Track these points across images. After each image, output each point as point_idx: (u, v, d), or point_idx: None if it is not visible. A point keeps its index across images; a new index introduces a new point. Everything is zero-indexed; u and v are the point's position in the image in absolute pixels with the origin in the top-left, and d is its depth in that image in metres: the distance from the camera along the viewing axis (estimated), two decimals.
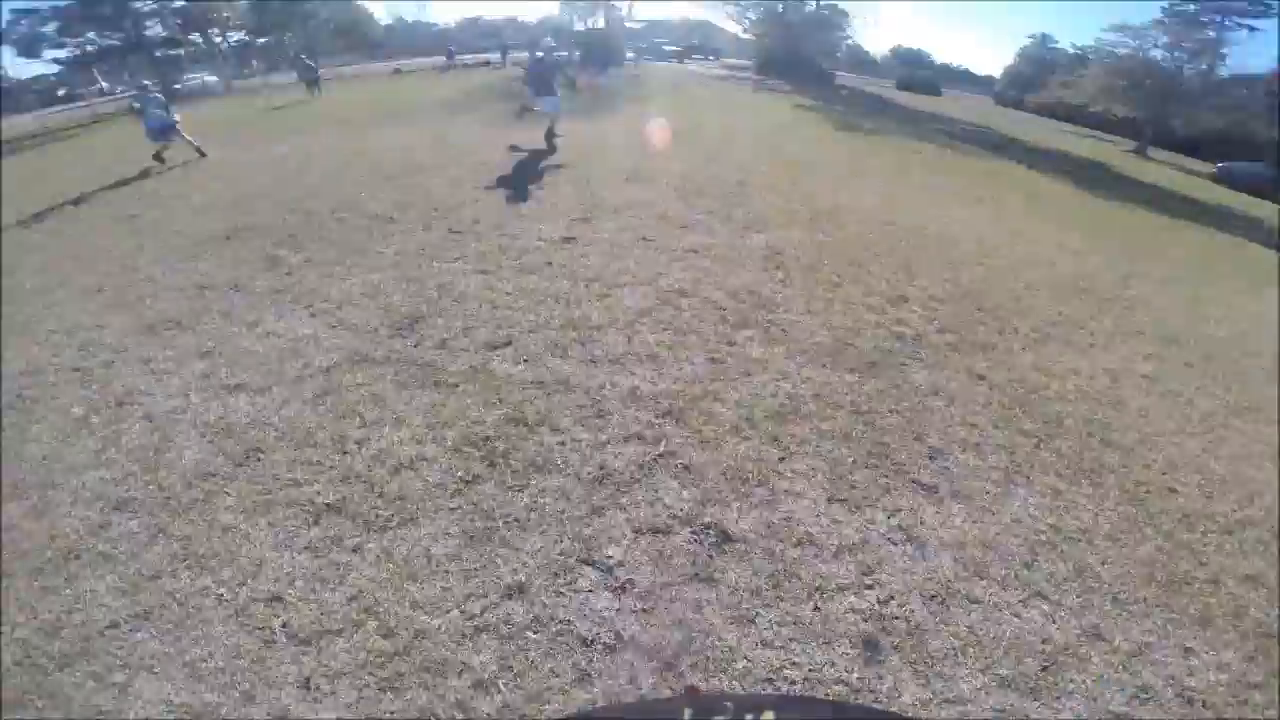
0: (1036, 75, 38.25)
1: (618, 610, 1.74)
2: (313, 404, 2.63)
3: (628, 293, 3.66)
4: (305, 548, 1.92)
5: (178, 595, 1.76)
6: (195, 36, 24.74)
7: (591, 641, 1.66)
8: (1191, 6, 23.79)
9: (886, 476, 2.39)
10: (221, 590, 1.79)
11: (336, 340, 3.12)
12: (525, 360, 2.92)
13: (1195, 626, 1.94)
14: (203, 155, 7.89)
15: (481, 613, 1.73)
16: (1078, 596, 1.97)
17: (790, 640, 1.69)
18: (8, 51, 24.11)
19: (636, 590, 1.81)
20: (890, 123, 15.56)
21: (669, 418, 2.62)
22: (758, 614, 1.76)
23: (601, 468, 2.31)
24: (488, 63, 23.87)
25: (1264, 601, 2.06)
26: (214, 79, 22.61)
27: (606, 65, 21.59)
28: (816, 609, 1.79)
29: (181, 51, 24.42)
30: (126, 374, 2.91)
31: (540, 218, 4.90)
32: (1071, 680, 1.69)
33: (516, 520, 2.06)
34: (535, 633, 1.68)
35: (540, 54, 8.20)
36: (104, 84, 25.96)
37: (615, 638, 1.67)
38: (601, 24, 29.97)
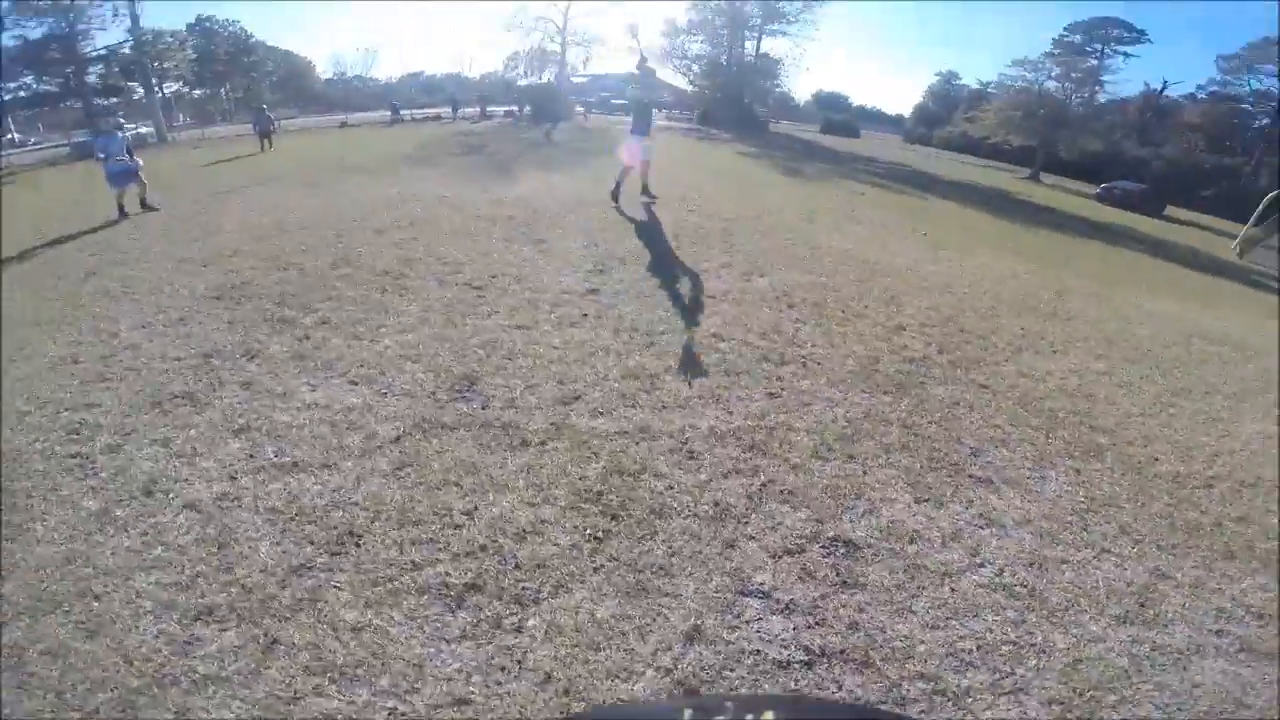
0: (942, 111, 42.60)
1: (793, 629, 1.88)
2: (395, 478, 2.51)
3: (669, 339, 3.89)
4: (462, 636, 1.82)
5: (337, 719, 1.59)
6: (135, 84, 23.74)
7: (787, 663, 1.77)
8: (1076, 37, 27.69)
9: (950, 476, 2.78)
10: (392, 703, 1.62)
11: (393, 408, 3.03)
12: (601, 413, 3.05)
13: (1224, 560, 2.41)
14: (151, 209, 7.35)
15: (675, 665, 1.75)
16: (1132, 547, 2.42)
17: (948, 618, 1.97)
18: None
19: (800, 608, 1.96)
20: (825, 166, 16.94)
21: (754, 451, 2.81)
22: (912, 603, 2.02)
23: (716, 504, 2.45)
24: (438, 117, 24.26)
25: (1262, 536, 2.59)
26: (148, 130, 21.63)
27: (556, 120, 22.37)
28: (952, 589, 2.09)
29: (117, 100, 23.32)
30: (142, 459, 2.60)
31: (555, 271, 5.09)
32: (1166, 611, 2.09)
33: (661, 568, 2.12)
34: (731, 670, 1.74)
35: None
36: (15, 134, 24.29)
37: (806, 652, 1.80)
38: (548, 79, 31.07)
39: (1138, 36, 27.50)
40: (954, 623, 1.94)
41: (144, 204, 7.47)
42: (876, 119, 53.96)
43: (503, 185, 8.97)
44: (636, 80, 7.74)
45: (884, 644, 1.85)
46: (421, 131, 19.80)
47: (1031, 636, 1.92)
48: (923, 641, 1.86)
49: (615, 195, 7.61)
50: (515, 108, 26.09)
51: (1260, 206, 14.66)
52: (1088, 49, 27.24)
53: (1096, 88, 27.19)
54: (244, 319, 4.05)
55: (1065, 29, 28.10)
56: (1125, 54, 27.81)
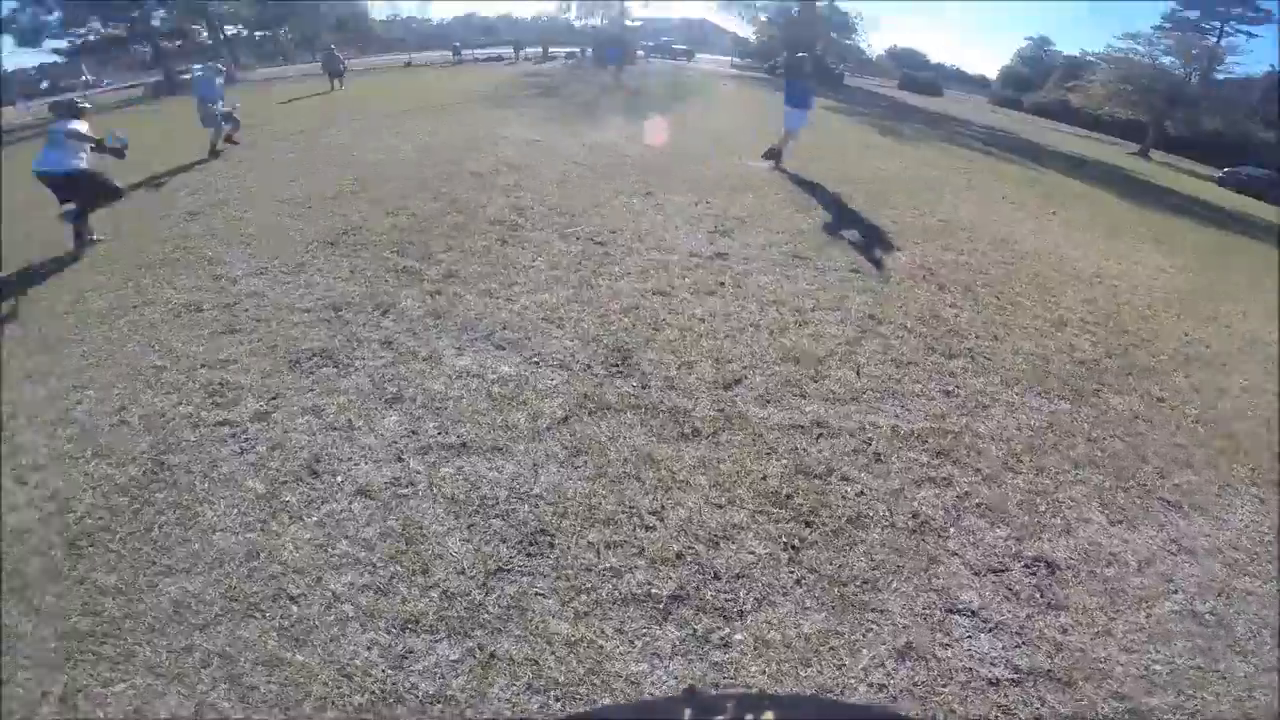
0: (1033, 77, 38.96)
1: (1002, 648, 1.80)
2: (572, 467, 2.30)
3: (822, 317, 3.52)
4: (673, 652, 1.67)
5: None
6: (199, 27, 23.83)
7: (998, 681, 1.70)
8: (1193, 14, 24.49)
9: (1139, 498, 2.55)
10: None
11: (550, 381, 2.80)
12: (769, 401, 2.74)
13: None
14: (234, 144, 7.36)
15: (888, 681, 1.63)
16: None
17: (1145, 643, 1.88)
18: (7, 41, 22.74)
19: (1008, 627, 1.87)
20: (920, 127, 15.61)
21: (943, 458, 2.51)
22: (1111, 626, 1.92)
23: (914, 516, 2.20)
24: (500, 58, 23.48)
25: None
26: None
27: (620, 63, 21.35)
28: (1148, 615, 1.99)
29: (182, 44, 23.50)
30: (296, 431, 2.41)
31: (676, 228, 4.72)
32: None
33: (866, 582, 1.92)
34: (944, 686, 1.65)
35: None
36: (89, 76, 24.87)
37: (1015, 671, 1.73)
38: (605, 22, 29.58)
39: (1262, 16, 24.06)
40: (1149, 647, 1.88)
41: (230, 139, 7.46)
42: (957, 78, 49.81)
43: (591, 129, 8.54)
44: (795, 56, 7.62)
45: (1085, 665, 1.79)
46: (488, 72, 19.21)
47: (1217, 664, 1.86)
48: (1120, 664, 1.81)
49: (773, 156, 7.18)
50: (578, 50, 25.07)
51: None
52: (1204, 25, 24.08)
53: (1215, 65, 24.10)
54: (364, 268, 3.89)
55: (1179, 2, 24.81)
56: (1248, 33, 24.48)
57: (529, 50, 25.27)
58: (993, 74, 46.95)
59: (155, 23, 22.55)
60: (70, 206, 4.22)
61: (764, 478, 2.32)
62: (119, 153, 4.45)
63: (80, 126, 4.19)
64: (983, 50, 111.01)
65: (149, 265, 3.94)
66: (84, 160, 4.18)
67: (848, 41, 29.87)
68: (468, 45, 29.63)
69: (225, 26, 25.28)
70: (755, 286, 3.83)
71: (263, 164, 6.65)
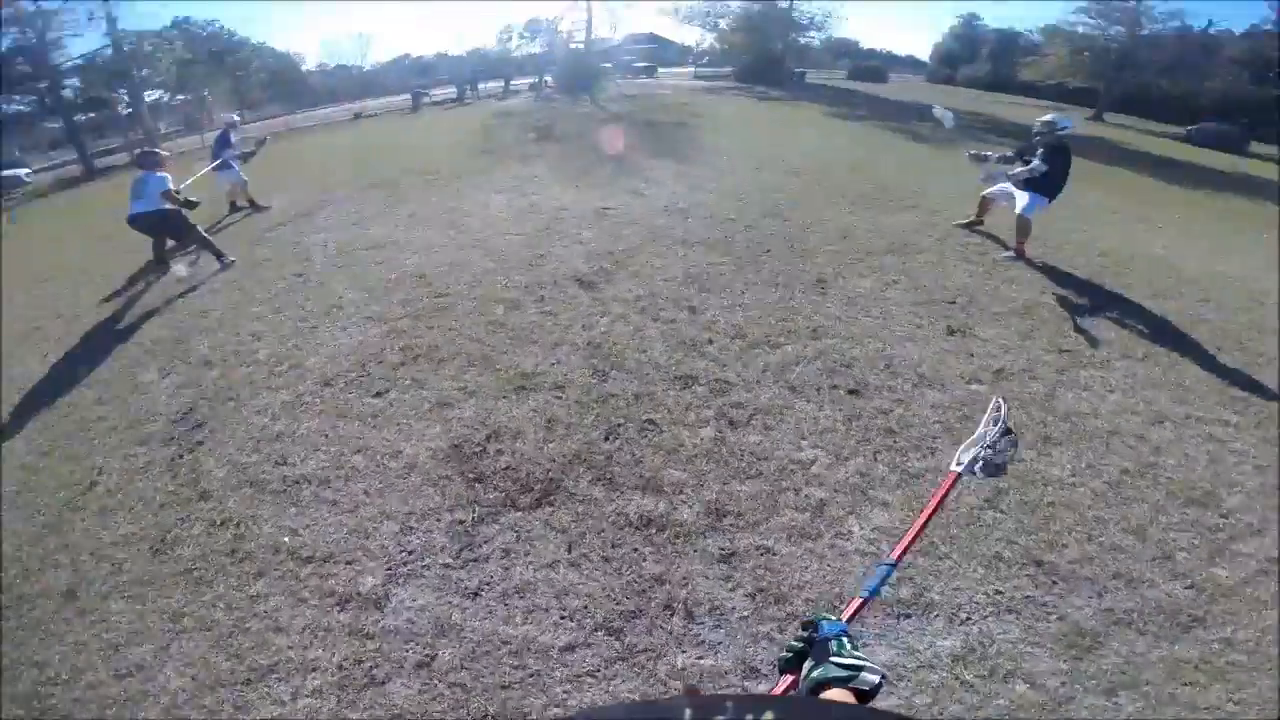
0: (965, 52, 40.29)
1: None
2: None
3: None
4: None
5: None
6: (119, 95, 21.47)
7: None
8: None
9: None
10: None
11: None
12: None
13: None
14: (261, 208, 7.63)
15: None
16: None
17: None
18: None
19: None
20: (918, 123, 15.25)
21: None
22: None
23: None
24: (460, 98, 21.99)
25: None
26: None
27: (590, 88, 20.44)
28: None
29: (97, 115, 21.14)
30: None
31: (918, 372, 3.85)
32: None
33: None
34: None
35: None
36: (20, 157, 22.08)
37: None
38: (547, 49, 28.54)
39: None
40: None
41: (253, 203, 7.66)
42: (890, 61, 51.24)
43: (643, 183, 7.53)
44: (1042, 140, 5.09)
45: None
46: (457, 117, 17.86)
47: None
48: None
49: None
50: (539, 80, 23.93)
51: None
52: None
53: (1136, 27, 25.21)
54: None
55: None
56: None
57: (486, 84, 23.95)
58: (922, 54, 48.49)
59: (68, 93, 20.20)
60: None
61: None
62: (191, 205, 5.46)
63: (168, 180, 5.30)
64: (912, 34, 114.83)
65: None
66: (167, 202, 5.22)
67: (804, 40, 29.82)
68: (404, 88, 28.06)
69: (146, 92, 22.99)
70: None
71: (256, 294, 4.92)
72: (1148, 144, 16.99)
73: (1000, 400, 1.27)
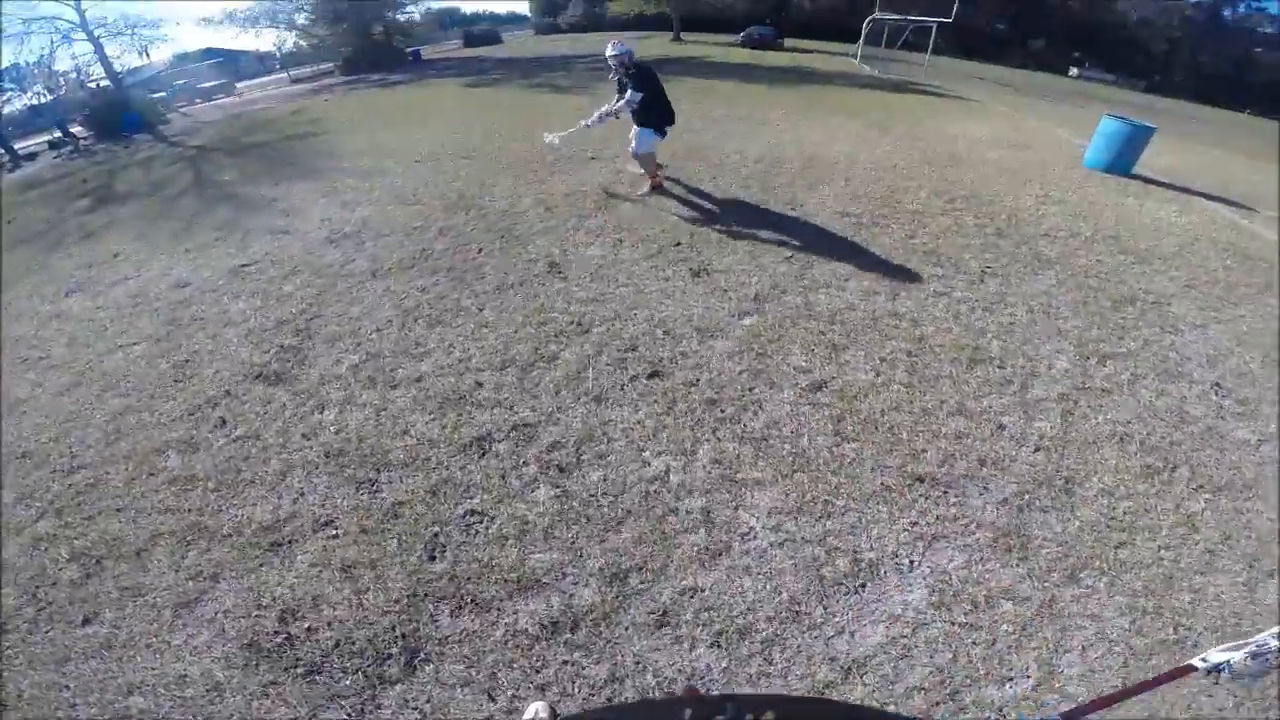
0: (561, 1, 43.29)
1: None
2: None
3: None
4: None
5: None
6: None
7: None
8: None
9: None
10: None
11: None
12: None
13: None
14: None
15: None
16: None
17: None
18: None
19: None
20: (543, 74, 15.57)
21: None
22: None
23: None
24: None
25: None
26: None
27: (145, 127, 15.64)
28: None
29: None
30: None
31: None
32: None
33: None
34: None
35: None
36: None
37: None
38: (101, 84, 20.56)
39: None
40: None
41: None
42: (496, 21, 51.90)
43: (277, 218, 5.82)
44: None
45: None
46: None
47: None
48: None
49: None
50: (61, 135, 17.16)
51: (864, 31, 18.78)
52: None
53: None
54: None
55: None
56: None
57: None
58: (522, 9, 50.32)
59: None
60: None
61: None
62: None
63: None
64: None
65: None
66: None
67: (403, 17, 27.37)
68: None
69: None
70: None
71: None
72: (718, 54, 20.72)
73: None
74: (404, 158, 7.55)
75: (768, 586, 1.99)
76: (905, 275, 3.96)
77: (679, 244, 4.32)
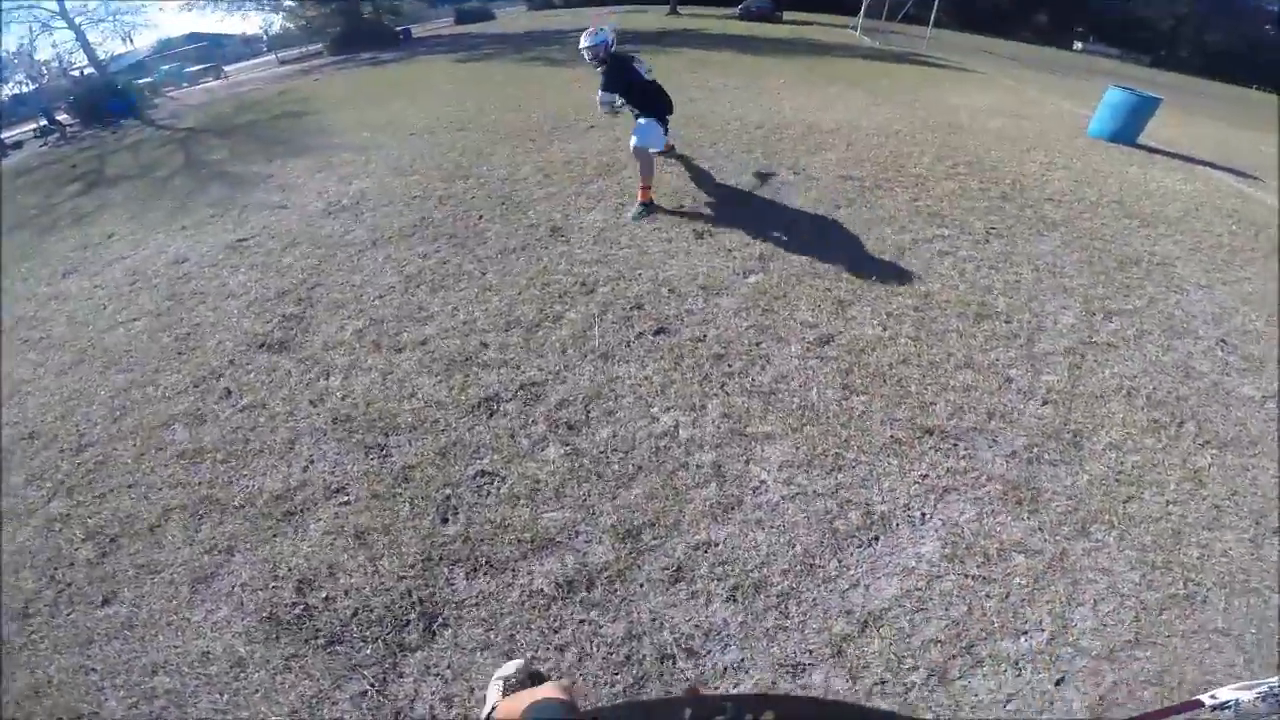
0: None
1: None
2: None
3: None
4: None
5: None
6: None
7: None
8: None
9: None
10: None
11: None
12: None
13: None
14: None
15: None
16: None
17: None
18: None
19: None
20: (537, 48, 15.29)
21: None
22: None
23: None
24: None
25: None
26: None
27: (135, 111, 15.41)
28: None
29: None
30: None
31: None
32: None
33: None
34: None
35: None
36: None
37: None
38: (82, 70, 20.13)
39: None
40: None
41: None
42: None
43: (274, 194, 5.74)
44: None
45: None
46: None
47: None
48: None
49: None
50: (47, 122, 16.92)
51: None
52: None
53: None
54: None
55: None
56: None
57: None
58: None
59: None
60: None
61: None
62: None
63: None
64: None
65: None
66: None
67: None
68: None
69: None
70: None
71: None
72: (715, 26, 20.34)
73: None
74: (398, 132, 7.42)
75: (781, 540, 1.99)
76: (910, 234, 3.93)
77: (682, 207, 4.27)
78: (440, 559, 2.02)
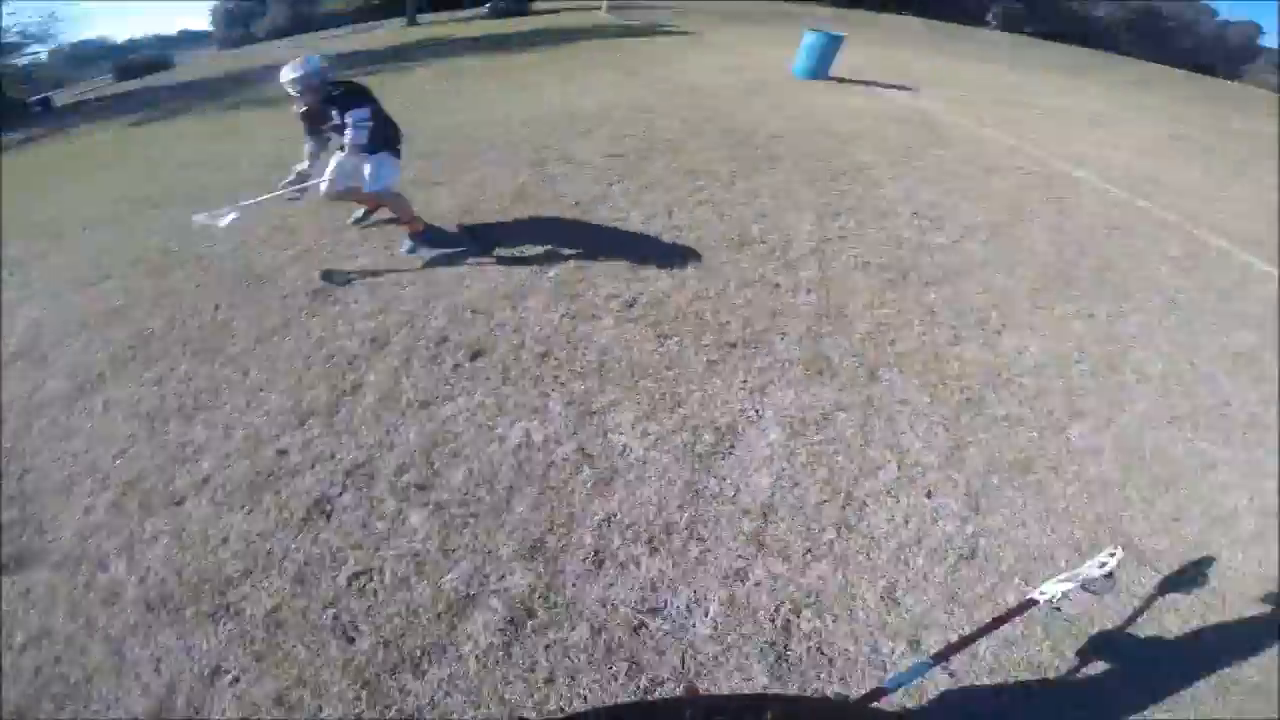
0: (253, 6, 37.11)
1: None
2: None
3: None
4: None
5: None
6: None
7: None
8: None
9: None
10: None
11: None
12: None
13: None
14: None
15: None
16: None
17: None
18: None
19: None
20: (230, 95, 13.37)
21: None
22: None
23: None
24: None
25: None
26: None
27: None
28: None
29: None
30: None
31: None
32: None
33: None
34: None
35: None
36: None
37: None
38: None
39: None
40: None
41: None
42: (165, 45, 43.02)
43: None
44: None
45: None
46: None
47: None
48: None
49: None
50: None
51: None
52: None
53: None
54: None
55: None
56: None
57: None
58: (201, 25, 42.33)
59: None
60: None
61: None
62: None
63: None
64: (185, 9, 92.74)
65: None
66: None
67: (23, 62, 20.88)
68: None
69: None
70: None
71: None
72: (462, 30, 19.54)
73: (1118, 549, 1.31)
74: (65, 228, 5.45)
75: (662, 483, 2.15)
76: (674, 193, 4.38)
77: (461, 224, 4.15)
78: (377, 675, 1.76)
